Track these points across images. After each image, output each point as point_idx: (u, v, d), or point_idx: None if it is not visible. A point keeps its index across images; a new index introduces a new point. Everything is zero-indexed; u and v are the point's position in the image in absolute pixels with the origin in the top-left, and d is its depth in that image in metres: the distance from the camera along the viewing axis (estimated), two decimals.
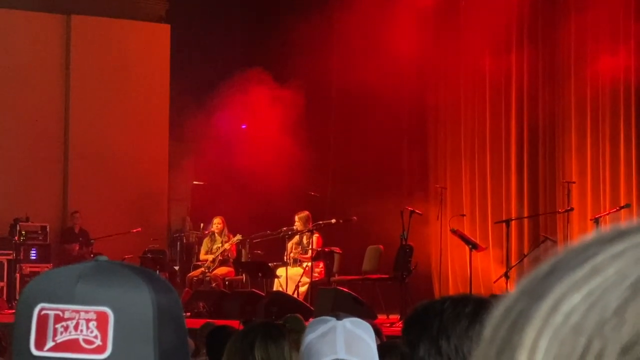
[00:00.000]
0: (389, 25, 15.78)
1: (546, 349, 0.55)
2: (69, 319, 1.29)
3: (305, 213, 14.62)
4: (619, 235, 0.57)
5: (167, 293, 1.37)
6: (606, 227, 0.59)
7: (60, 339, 1.29)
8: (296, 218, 14.59)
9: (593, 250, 0.57)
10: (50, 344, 1.29)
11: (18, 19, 16.78)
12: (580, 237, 0.60)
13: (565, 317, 0.55)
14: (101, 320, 1.29)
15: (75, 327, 1.29)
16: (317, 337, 2.89)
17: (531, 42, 15.72)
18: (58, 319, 1.29)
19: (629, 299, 0.54)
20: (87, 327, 1.29)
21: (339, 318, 2.91)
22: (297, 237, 14.60)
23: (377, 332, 3.72)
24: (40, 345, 1.29)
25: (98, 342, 1.29)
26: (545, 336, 0.55)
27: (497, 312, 0.59)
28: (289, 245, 14.62)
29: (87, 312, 1.29)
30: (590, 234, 0.59)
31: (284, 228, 14.78)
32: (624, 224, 0.59)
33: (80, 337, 1.29)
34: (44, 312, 1.30)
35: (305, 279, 14.10)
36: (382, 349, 3.25)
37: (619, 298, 0.54)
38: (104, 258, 1.38)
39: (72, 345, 1.28)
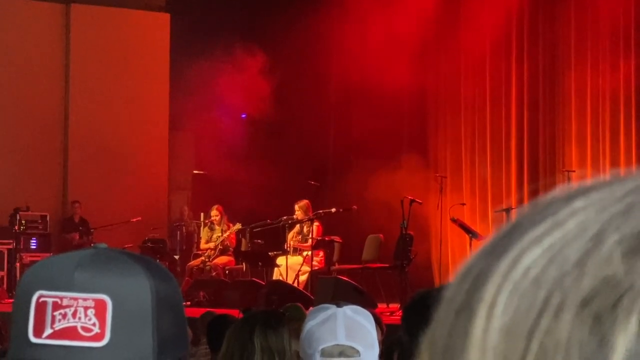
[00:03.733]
0: (389, 20, 15.75)
1: (505, 303, 0.54)
2: (67, 306, 1.29)
3: (305, 202, 14.60)
4: (581, 192, 0.57)
5: (167, 281, 1.36)
6: (567, 186, 0.58)
7: (58, 326, 1.28)
8: (296, 207, 14.57)
9: (554, 207, 0.57)
10: (48, 331, 1.29)
11: (18, 8, 16.74)
12: (538, 198, 0.59)
13: (525, 271, 0.54)
14: (99, 307, 1.29)
15: (74, 315, 1.28)
16: (318, 324, 2.90)
17: (532, 33, 15.70)
18: (56, 306, 1.29)
19: (590, 251, 0.53)
20: (86, 315, 1.28)
21: (339, 306, 2.93)
22: (297, 226, 14.58)
23: (377, 321, 3.73)
24: (38, 332, 1.29)
25: (96, 329, 1.28)
26: (505, 291, 0.55)
27: (458, 273, 0.59)
28: (289, 234, 14.61)
29: (85, 299, 1.29)
30: (550, 193, 0.58)
31: (284, 217, 14.75)
32: (585, 182, 0.58)
33: (79, 325, 1.28)
34: (42, 299, 1.30)
35: (306, 268, 14.09)
36: None
37: (580, 250, 0.54)
38: (102, 245, 1.38)
39: (70, 333, 1.28)
